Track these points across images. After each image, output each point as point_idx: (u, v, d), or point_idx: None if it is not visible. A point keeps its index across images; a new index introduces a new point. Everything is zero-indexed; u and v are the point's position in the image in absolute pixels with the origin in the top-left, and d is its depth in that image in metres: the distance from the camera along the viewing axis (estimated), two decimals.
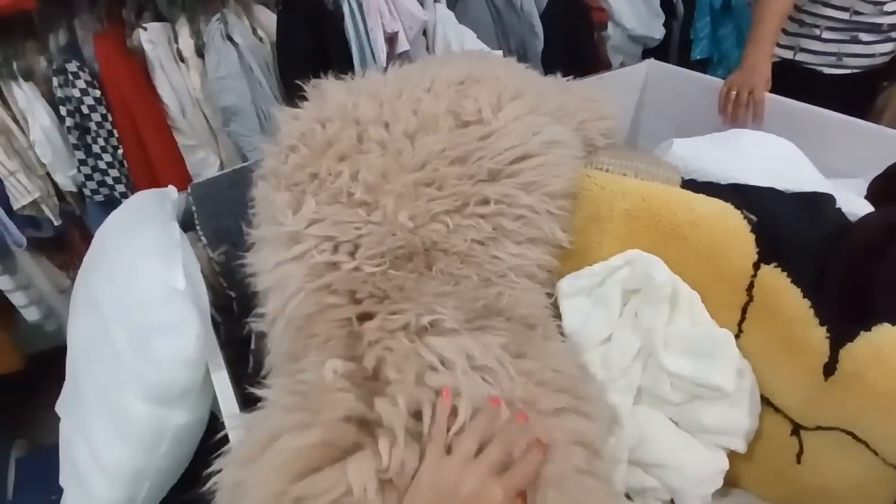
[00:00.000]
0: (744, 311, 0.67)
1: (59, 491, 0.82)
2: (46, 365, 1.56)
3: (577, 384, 0.59)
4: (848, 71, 1.36)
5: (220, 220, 0.94)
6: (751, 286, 0.66)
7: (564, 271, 0.75)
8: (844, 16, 1.29)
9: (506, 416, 0.53)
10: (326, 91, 0.82)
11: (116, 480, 0.70)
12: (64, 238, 1.51)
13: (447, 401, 0.52)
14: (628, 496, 0.69)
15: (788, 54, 1.39)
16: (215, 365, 0.67)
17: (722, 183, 0.82)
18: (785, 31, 1.38)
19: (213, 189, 1.01)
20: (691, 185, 0.81)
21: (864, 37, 1.30)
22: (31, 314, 1.48)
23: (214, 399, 0.67)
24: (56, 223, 1.39)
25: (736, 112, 1.14)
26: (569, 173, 0.76)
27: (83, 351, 0.75)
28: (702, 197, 0.71)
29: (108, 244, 0.81)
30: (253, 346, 0.74)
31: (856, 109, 1.07)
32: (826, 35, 1.33)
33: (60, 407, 0.87)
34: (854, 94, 1.35)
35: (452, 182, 0.72)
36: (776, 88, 1.16)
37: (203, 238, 0.89)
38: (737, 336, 0.67)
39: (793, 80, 1.29)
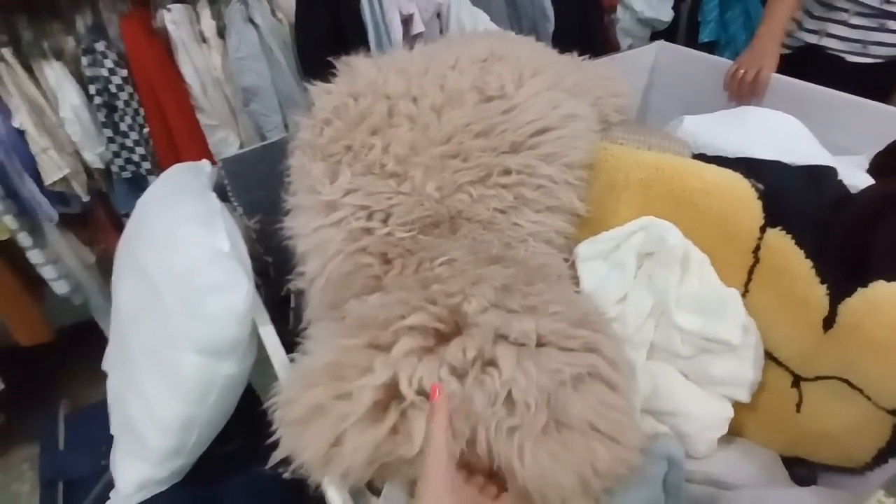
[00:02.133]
0: (750, 272, 0.72)
1: (107, 442, 0.88)
2: (74, 338, 1.64)
3: (590, 318, 0.62)
4: (872, 60, 1.34)
5: (251, 192, 1.00)
6: (757, 248, 0.71)
7: (581, 238, 0.80)
8: (875, 2, 1.27)
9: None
10: (357, 67, 0.87)
11: (168, 430, 0.76)
12: (89, 215, 1.56)
13: (435, 399, 0.51)
14: None
15: (813, 38, 1.38)
16: (262, 320, 0.73)
17: (730, 157, 0.87)
18: (811, 15, 1.37)
19: (243, 164, 1.06)
20: (701, 158, 0.85)
21: (892, 24, 1.29)
22: (59, 288, 1.53)
23: None
24: (85, 199, 1.44)
25: (742, 90, 1.18)
26: (586, 145, 0.80)
27: (131, 313, 0.81)
28: (712, 166, 0.76)
29: (148, 214, 0.86)
30: (293, 305, 0.80)
31: (877, 100, 1.06)
32: (854, 21, 1.31)
33: (107, 364, 0.93)
34: (877, 84, 1.29)
35: (477, 154, 0.76)
36: (798, 73, 1.16)
37: (238, 207, 0.94)
38: (743, 295, 0.72)
39: (815, 65, 1.30)
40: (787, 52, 1.37)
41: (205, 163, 1.01)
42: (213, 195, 0.88)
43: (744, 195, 0.73)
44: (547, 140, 0.78)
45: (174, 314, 0.74)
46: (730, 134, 0.94)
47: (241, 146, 1.57)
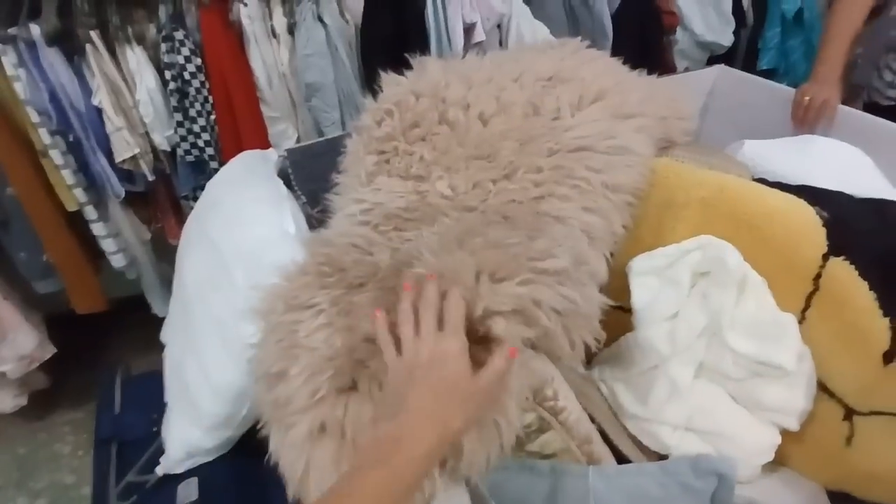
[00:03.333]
0: (808, 299, 0.72)
1: (159, 410, 0.92)
2: (125, 310, 1.71)
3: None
4: None
5: (313, 183, 1.04)
6: (818, 276, 0.71)
7: (632, 253, 0.81)
8: None
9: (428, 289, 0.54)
10: (426, 67, 0.90)
11: (223, 398, 0.79)
12: (151, 194, 1.63)
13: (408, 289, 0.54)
14: None
15: None
16: None
17: (792, 184, 0.86)
18: None
19: (306, 155, 1.10)
20: (762, 183, 0.85)
21: None
22: (117, 261, 1.60)
23: None
24: (150, 178, 1.51)
25: (807, 118, 1.17)
26: (634, 174, 0.79)
27: (198, 283, 0.85)
28: (776, 191, 0.76)
29: (220, 193, 0.91)
30: None
31: None
32: None
33: (165, 335, 0.98)
34: None
35: (506, 154, 0.78)
36: None
37: (302, 196, 0.98)
38: (799, 322, 0.72)
39: None
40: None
41: (271, 151, 1.05)
42: (280, 181, 0.92)
43: (808, 222, 0.73)
44: (590, 156, 0.78)
45: (242, 288, 0.77)
46: (792, 161, 0.94)
47: (299, 140, 1.62)
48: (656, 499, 0.62)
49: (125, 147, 1.43)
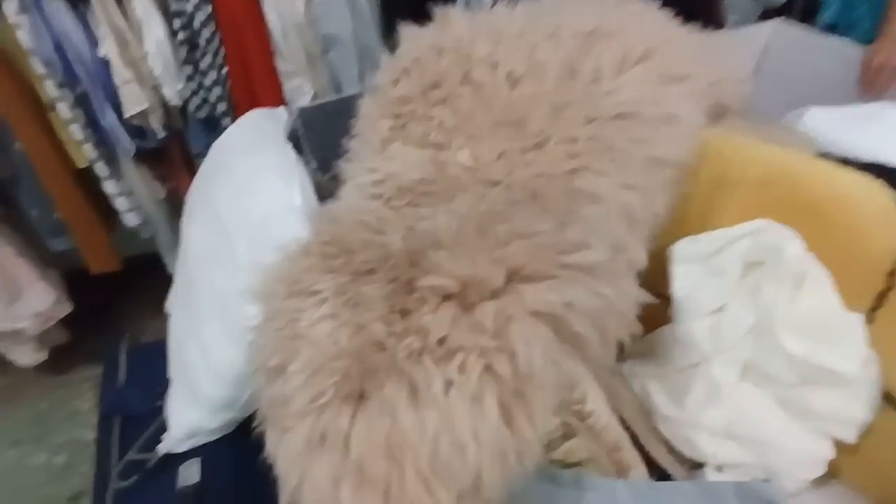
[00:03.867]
0: (879, 298, 0.63)
1: (165, 383, 0.89)
2: (140, 269, 1.68)
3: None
4: None
5: (326, 146, 0.96)
6: (892, 272, 0.61)
7: (677, 237, 0.73)
8: None
9: None
10: (450, 20, 0.80)
11: (224, 380, 0.75)
12: (163, 152, 1.57)
13: None
14: (720, 469, 0.68)
15: None
16: None
17: (862, 161, 0.76)
18: None
19: (319, 114, 1.02)
20: (826, 159, 0.75)
21: None
22: (130, 220, 1.56)
23: None
24: (161, 135, 1.45)
25: (879, 83, 1.04)
26: (679, 150, 0.69)
27: (200, 255, 0.80)
28: (847, 171, 0.66)
29: (226, 157, 0.84)
30: None
31: None
32: None
33: (171, 305, 0.93)
34: None
35: (537, 122, 0.68)
36: None
37: (313, 161, 0.90)
38: (866, 324, 0.63)
39: None
40: None
41: (282, 110, 0.97)
42: (289, 147, 0.85)
43: (883, 208, 0.63)
44: (633, 125, 0.68)
45: (243, 262, 0.71)
46: (862, 133, 0.82)
47: (315, 97, 1.53)
48: None
49: (134, 101, 1.36)
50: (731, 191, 0.70)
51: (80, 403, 1.69)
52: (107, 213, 1.59)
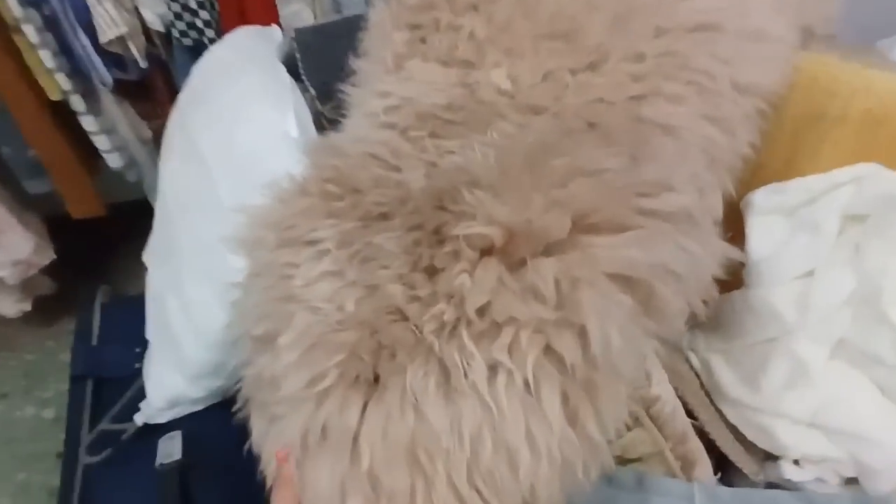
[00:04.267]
0: None
1: (143, 343, 0.78)
2: (126, 216, 1.56)
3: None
4: None
5: (326, 72, 0.82)
6: None
7: (756, 184, 0.60)
8: None
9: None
10: None
11: (209, 343, 0.64)
12: (148, 85, 1.42)
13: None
14: (797, 462, 0.57)
15: None
16: None
17: None
18: None
19: (319, 37, 0.87)
20: None
21: None
22: (113, 161, 1.43)
23: None
24: (142, 64, 1.29)
25: None
26: (770, 74, 0.56)
27: (180, 198, 0.67)
28: None
29: (209, 82, 0.70)
30: None
31: None
32: None
33: (148, 257, 0.81)
34: None
35: (593, 33, 0.54)
36: None
37: (311, 88, 0.76)
38: None
39: None
40: None
41: (275, 29, 0.83)
42: (283, 69, 0.71)
43: None
44: (715, 40, 0.54)
45: (228, 205, 0.59)
46: None
47: None
48: None
49: (110, 25, 1.20)
50: (829, 128, 0.57)
51: (68, 356, 1.59)
52: (90, 153, 1.45)
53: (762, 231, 0.58)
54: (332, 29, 0.87)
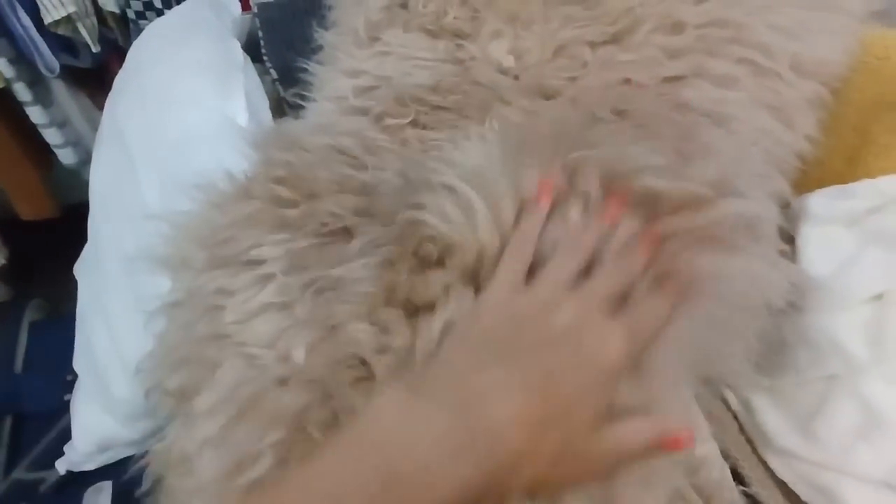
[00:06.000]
0: None
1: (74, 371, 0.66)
2: (83, 219, 1.43)
3: None
4: None
5: (291, 50, 0.71)
6: None
7: (811, 186, 0.49)
8: None
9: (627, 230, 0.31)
10: None
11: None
12: (105, 73, 1.29)
13: (543, 200, 0.30)
14: None
15: None
16: None
17: None
18: None
19: (286, 12, 0.76)
20: None
21: None
22: (66, 156, 1.30)
23: None
24: (95, 49, 1.16)
25: None
26: (835, 53, 0.45)
27: (104, 200, 0.55)
28: None
29: (142, 58, 0.58)
30: None
31: None
32: None
33: (79, 269, 0.69)
34: None
35: None
36: None
37: (272, 70, 0.64)
38: None
39: None
40: None
41: (233, 1, 0.71)
42: (237, 43, 0.59)
43: None
44: (774, 8, 0.44)
45: (154, 209, 0.47)
46: None
47: None
48: None
49: (56, 5, 1.07)
50: None
51: None
52: (40, 149, 1.32)
53: (821, 244, 0.47)
54: (301, 3, 0.76)
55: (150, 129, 0.48)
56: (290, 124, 0.46)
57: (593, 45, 0.43)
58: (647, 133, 0.35)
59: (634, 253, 0.30)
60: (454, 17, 0.45)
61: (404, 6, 0.47)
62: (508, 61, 0.44)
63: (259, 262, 0.33)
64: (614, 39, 0.43)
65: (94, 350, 0.56)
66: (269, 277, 0.32)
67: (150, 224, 0.44)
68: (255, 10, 0.76)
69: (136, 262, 0.46)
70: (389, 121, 0.42)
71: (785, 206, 0.45)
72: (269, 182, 0.37)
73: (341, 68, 0.48)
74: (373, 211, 0.32)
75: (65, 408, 0.65)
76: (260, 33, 0.73)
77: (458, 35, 0.45)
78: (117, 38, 1.21)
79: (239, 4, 0.72)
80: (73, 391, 0.63)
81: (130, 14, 1.13)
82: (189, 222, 0.37)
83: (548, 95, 0.42)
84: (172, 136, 0.47)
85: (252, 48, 0.73)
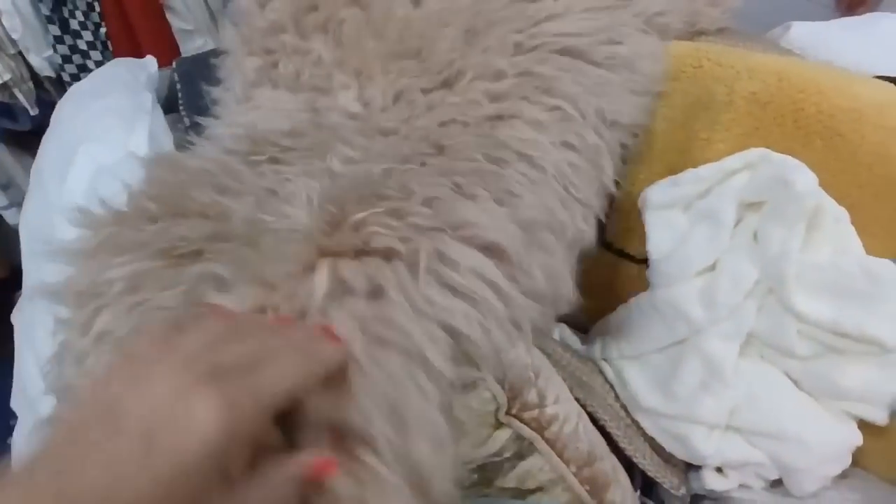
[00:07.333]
0: None
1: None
2: None
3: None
4: None
5: (204, 103, 0.77)
6: None
7: (650, 180, 0.57)
8: None
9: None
10: None
11: None
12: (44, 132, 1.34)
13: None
14: (720, 470, 0.53)
15: None
16: None
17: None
18: None
19: (201, 65, 0.82)
20: None
21: None
22: (12, 217, 1.34)
23: None
24: (33, 112, 1.21)
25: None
26: (636, 110, 0.53)
27: (28, 242, 0.60)
28: (868, 79, 0.51)
29: (63, 113, 0.63)
30: None
31: None
32: None
33: (15, 316, 0.73)
34: None
35: (446, 52, 0.51)
36: None
37: (186, 119, 0.71)
38: None
39: None
40: None
41: (150, 59, 0.77)
42: (149, 95, 0.65)
43: None
44: (581, 68, 0.51)
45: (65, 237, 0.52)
46: (853, 47, 0.69)
47: None
48: None
49: None
50: (717, 115, 0.55)
51: None
52: None
53: (661, 227, 0.55)
54: (214, 57, 0.83)
55: (63, 168, 0.54)
56: (174, 153, 0.52)
57: (425, 90, 0.50)
58: (453, 164, 0.42)
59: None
60: (310, 76, 0.52)
61: (275, 66, 0.54)
62: (355, 108, 0.50)
63: (101, 291, 0.36)
64: (444, 85, 0.50)
65: (24, 383, 0.60)
66: (102, 308, 0.35)
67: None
68: (174, 65, 0.83)
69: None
70: (253, 157, 0.48)
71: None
72: (142, 202, 0.42)
73: (224, 121, 0.55)
74: (217, 235, 0.37)
75: (3, 451, 0.67)
76: (178, 85, 0.80)
77: (314, 90, 0.52)
78: (55, 99, 1.26)
79: (155, 63, 0.78)
80: (14, 433, 0.66)
81: (65, 76, 1.18)
82: (70, 251, 0.40)
83: (386, 134, 0.48)
84: (81, 172, 0.52)
85: (172, 102, 0.79)
